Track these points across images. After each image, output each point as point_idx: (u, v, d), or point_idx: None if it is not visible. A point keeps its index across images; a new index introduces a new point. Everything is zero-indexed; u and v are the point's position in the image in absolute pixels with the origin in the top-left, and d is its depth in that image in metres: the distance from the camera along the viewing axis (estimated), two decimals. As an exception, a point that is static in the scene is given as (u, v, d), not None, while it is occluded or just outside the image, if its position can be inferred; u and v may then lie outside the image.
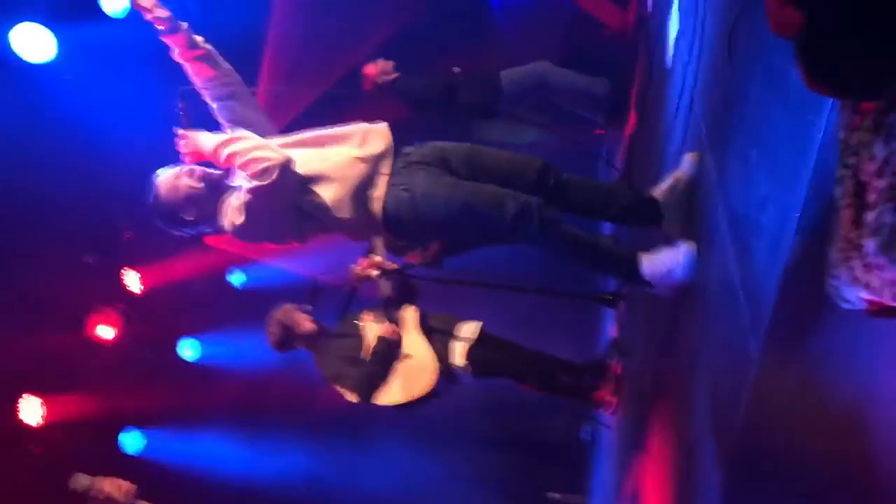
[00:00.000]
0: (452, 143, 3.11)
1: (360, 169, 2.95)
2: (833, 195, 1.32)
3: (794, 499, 1.67)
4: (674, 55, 3.90)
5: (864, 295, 1.17)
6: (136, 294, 5.75)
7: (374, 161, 2.98)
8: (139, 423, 5.73)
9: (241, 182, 2.87)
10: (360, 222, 2.98)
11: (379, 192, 2.95)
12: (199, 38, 2.95)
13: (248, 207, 2.83)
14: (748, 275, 2.09)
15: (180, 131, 2.91)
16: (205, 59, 2.94)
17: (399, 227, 3.00)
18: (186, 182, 2.93)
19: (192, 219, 2.99)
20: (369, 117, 3.17)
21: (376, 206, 2.95)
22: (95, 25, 4.52)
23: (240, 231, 2.92)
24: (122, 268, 5.65)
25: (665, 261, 2.81)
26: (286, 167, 2.81)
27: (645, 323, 3.70)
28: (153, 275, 5.81)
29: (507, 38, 7.14)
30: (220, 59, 2.99)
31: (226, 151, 2.79)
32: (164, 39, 2.90)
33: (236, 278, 6.71)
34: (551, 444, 6.39)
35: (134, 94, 4.77)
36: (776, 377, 1.86)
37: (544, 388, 4.36)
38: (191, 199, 2.94)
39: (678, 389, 2.72)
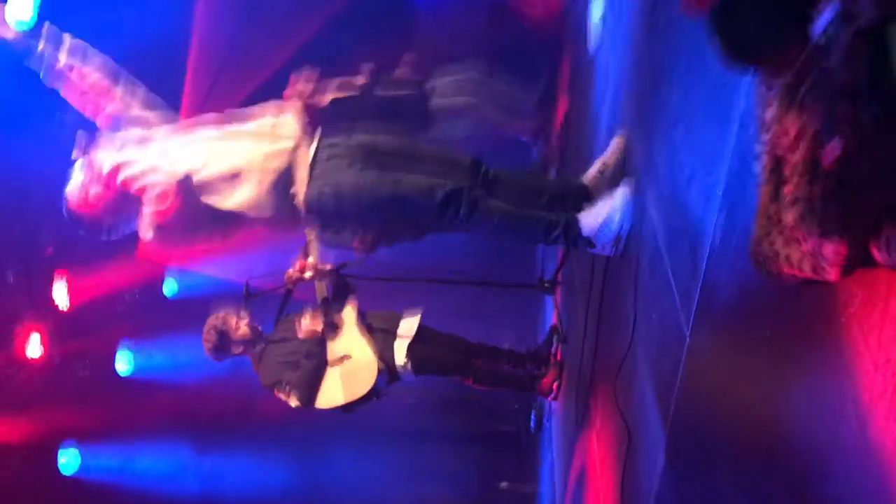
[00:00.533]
0: (383, 136, 3.07)
1: (276, 163, 2.89)
2: (753, 172, 1.33)
3: (728, 479, 1.69)
4: (598, 40, 3.93)
5: (786, 268, 1.18)
6: (64, 310, 5.55)
7: (290, 153, 2.92)
8: (76, 440, 5.55)
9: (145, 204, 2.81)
10: (283, 217, 2.94)
11: (299, 186, 2.89)
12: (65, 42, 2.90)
13: (155, 224, 2.80)
14: (676, 253, 2.10)
15: (77, 157, 2.84)
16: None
17: (324, 219, 2.96)
18: (94, 191, 2.85)
19: (111, 223, 2.92)
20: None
21: (298, 199, 2.90)
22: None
23: (155, 243, 2.87)
24: (46, 283, 5.45)
25: (602, 211, 2.78)
26: (180, 186, 2.76)
27: (582, 305, 3.73)
28: (81, 288, 5.62)
29: (430, 36, 7.12)
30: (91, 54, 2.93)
31: (119, 178, 2.77)
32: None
33: (168, 287, 6.54)
34: (499, 435, 6.42)
35: (42, 105, 4.59)
36: (708, 352, 1.88)
37: (487, 381, 4.35)
38: (104, 205, 2.88)
39: (618, 370, 2.73)
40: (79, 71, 2.89)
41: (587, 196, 2.98)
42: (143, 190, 2.74)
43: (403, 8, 7.37)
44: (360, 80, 5.32)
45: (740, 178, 1.64)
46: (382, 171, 2.91)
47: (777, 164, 1.16)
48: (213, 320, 4.15)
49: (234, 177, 2.84)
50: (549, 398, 4.46)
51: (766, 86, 1.29)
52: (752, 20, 1.16)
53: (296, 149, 2.94)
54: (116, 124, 2.93)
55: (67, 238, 5.32)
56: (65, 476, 5.48)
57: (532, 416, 5.47)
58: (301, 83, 5.27)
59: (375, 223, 3.00)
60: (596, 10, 4.07)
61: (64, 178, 2.92)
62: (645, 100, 2.63)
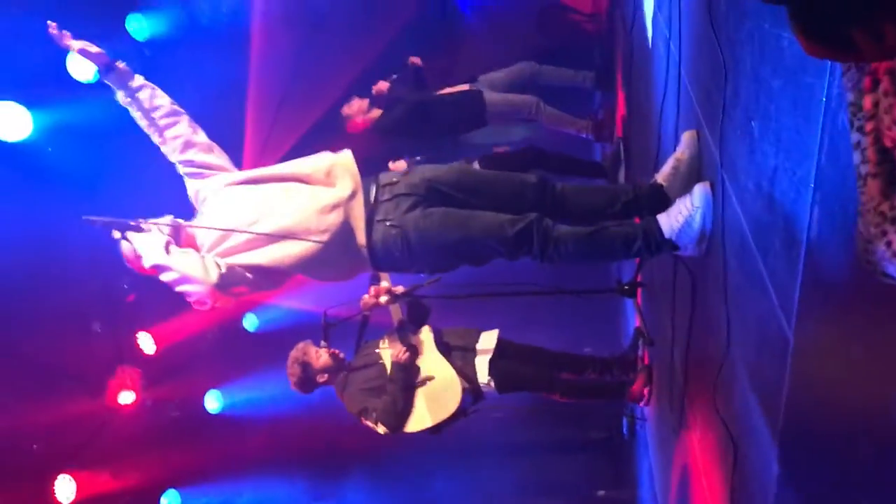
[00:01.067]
0: (441, 168, 3.01)
1: (333, 219, 2.81)
2: (851, 163, 1.24)
3: (846, 471, 1.58)
4: (654, 33, 3.82)
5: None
6: (151, 354, 5.67)
7: (346, 205, 2.83)
8: (175, 484, 5.65)
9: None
10: (345, 269, 2.90)
11: (360, 237, 2.82)
12: (138, 76, 2.92)
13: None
14: (768, 250, 1.99)
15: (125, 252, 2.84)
16: (144, 97, 2.90)
17: (392, 264, 2.91)
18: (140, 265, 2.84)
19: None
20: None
21: (362, 251, 2.84)
22: (68, 94, 4.48)
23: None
24: (131, 330, 5.58)
25: (681, 210, 2.67)
26: (216, 290, 2.72)
27: (667, 307, 3.60)
28: (165, 332, 5.73)
29: (481, 40, 7.10)
30: (162, 94, 2.94)
31: (160, 278, 2.75)
32: (105, 81, 2.90)
33: (249, 323, 6.64)
34: (592, 443, 6.29)
35: (116, 154, 4.72)
36: (816, 355, 1.77)
37: (574, 393, 4.25)
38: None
39: (713, 371, 2.62)
40: (151, 91, 2.91)
41: (663, 196, 2.87)
42: (181, 294, 2.75)
43: (452, 17, 7.37)
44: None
45: (835, 170, 1.53)
46: (447, 210, 2.83)
47: (885, 156, 1.07)
48: (294, 353, 4.18)
49: (289, 235, 2.78)
50: (641, 404, 4.33)
51: (859, 70, 1.19)
52: (842, 8, 1.06)
53: (352, 196, 2.85)
54: (186, 148, 2.93)
55: (148, 284, 5.45)
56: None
57: (624, 423, 5.34)
58: (355, 104, 5.33)
59: (445, 265, 2.95)
60: (649, 2, 3.96)
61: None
62: (713, 91, 2.52)
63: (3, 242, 4.27)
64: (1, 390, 4.38)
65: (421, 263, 2.92)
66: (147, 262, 2.74)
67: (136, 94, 2.90)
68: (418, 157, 5.31)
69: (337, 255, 2.83)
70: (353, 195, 2.86)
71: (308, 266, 2.84)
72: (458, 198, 2.88)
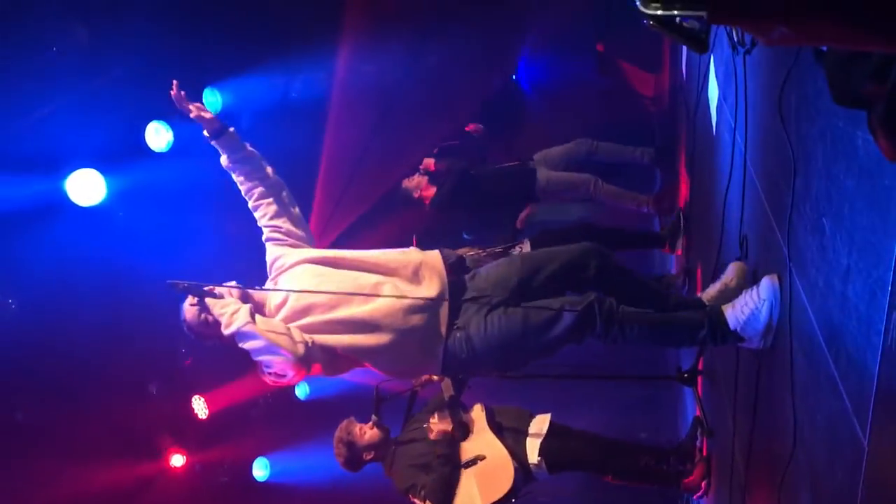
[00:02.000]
0: (501, 266, 3.00)
1: (417, 321, 2.80)
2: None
3: None
4: (718, 119, 3.81)
5: None
6: (203, 419, 5.71)
7: (431, 309, 2.80)
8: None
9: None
10: (415, 369, 2.93)
11: (439, 343, 2.81)
12: (245, 144, 3.01)
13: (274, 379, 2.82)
14: (840, 352, 1.93)
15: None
16: (249, 161, 2.99)
17: (459, 366, 2.91)
18: (210, 317, 2.83)
19: (219, 342, 2.89)
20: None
21: (437, 354, 2.83)
22: (141, 161, 4.65)
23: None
24: (186, 394, 5.64)
25: (748, 303, 2.62)
26: (300, 363, 2.71)
27: (728, 398, 3.50)
28: (218, 398, 5.78)
29: (542, 119, 7.19)
30: (265, 164, 3.03)
31: (240, 345, 2.74)
32: (213, 144, 2.99)
33: (301, 391, 6.65)
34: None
35: (183, 225, 4.86)
36: (892, 463, 1.69)
37: (627, 476, 4.13)
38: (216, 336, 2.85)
39: (777, 469, 2.52)
40: (257, 159, 3.00)
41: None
42: (263, 364, 2.75)
43: (514, 97, 7.49)
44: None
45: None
46: (507, 309, 2.81)
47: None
48: (339, 433, 4.14)
49: (368, 326, 2.77)
50: (696, 496, 4.18)
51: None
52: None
53: (438, 300, 2.83)
54: (278, 216, 3.00)
55: (204, 349, 5.53)
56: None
57: (678, 513, 5.15)
58: (415, 180, 5.44)
59: (514, 363, 2.94)
60: (713, 90, 3.96)
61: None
62: (782, 184, 2.49)
63: (72, 302, 4.39)
64: (58, 449, 4.44)
65: (487, 365, 2.91)
66: (230, 329, 2.71)
67: (242, 160, 2.99)
68: (466, 236, 5.36)
69: (412, 354, 2.83)
70: (441, 296, 2.85)
71: (381, 360, 2.84)
72: (519, 292, 2.86)
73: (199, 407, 5.70)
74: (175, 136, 4.86)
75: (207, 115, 2.97)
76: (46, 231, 4.18)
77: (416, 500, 3.94)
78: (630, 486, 4.33)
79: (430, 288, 2.86)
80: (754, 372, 2.91)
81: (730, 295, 2.82)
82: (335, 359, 2.86)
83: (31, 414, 4.37)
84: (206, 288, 2.79)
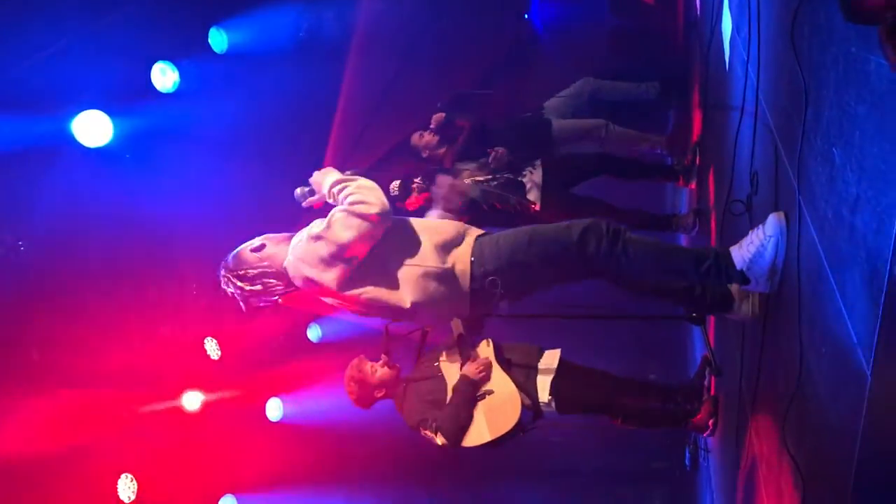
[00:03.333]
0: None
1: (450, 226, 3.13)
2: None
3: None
4: (731, 55, 3.73)
5: None
6: (216, 360, 5.77)
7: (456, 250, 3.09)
8: (233, 490, 5.71)
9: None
10: (442, 278, 3.03)
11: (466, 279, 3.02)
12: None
13: (337, 236, 2.94)
14: (847, 284, 1.91)
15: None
16: None
17: (482, 299, 3.08)
18: (268, 249, 3.11)
19: (262, 279, 3.12)
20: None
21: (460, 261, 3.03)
22: (147, 102, 4.62)
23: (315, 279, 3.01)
24: (198, 335, 5.69)
25: (754, 241, 2.62)
26: (384, 215, 2.93)
27: (737, 336, 3.50)
28: (231, 339, 5.83)
29: (553, 53, 7.07)
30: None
31: (337, 188, 2.98)
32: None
33: (313, 333, 6.71)
34: (652, 473, 6.14)
35: (189, 166, 4.85)
36: (893, 394, 1.68)
37: (635, 419, 4.15)
38: (266, 256, 3.11)
39: (783, 405, 2.52)
40: None
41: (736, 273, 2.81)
42: (354, 194, 2.96)
43: (525, 31, 7.36)
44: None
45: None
46: (513, 230, 3.07)
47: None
48: (350, 371, 4.18)
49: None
50: (705, 434, 4.20)
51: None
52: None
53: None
54: None
55: (217, 291, 5.56)
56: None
57: (686, 453, 5.19)
58: (426, 137, 5.36)
59: (516, 275, 2.97)
60: (727, 23, 3.88)
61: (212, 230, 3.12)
62: (793, 117, 2.44)
63: (81, 244, 4.41)
64: (71, 388, 4.51)
65: (493, 276, 3.01)
66: (332, 177, 3.01)
67: None
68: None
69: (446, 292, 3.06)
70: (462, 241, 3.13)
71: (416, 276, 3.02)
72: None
73: (212, 348, 5.76)
74: (181, 76, 4.81)
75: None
76: (54, 173, 4.18)
77: (427, 433, 3.99)
78: (638, 429, 4.36)
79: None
80: (763, 307, 2.89)
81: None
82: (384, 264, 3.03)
83: (45, 353, 4.42)
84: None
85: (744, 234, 2.79)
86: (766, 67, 2.90)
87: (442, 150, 5.32)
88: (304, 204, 3.33)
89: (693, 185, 4.85)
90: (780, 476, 2.64)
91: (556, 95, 5.50)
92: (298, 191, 3.43)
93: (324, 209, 3.15)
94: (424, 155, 5.35)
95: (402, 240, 3.06)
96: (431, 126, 5.39)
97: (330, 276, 2.98)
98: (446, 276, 3.02)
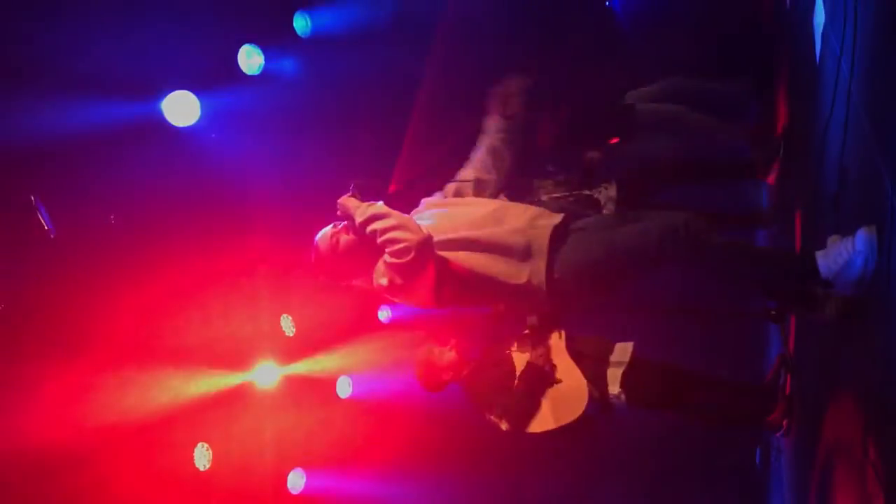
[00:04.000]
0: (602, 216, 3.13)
1: (517, 237, 2.99)
2: None
3: None
4: (822, 49, 3.62)
5: None
6: (291, 337, 5.91)
7: (532, 231, 3.01)
8: (302, 464, 5.86)
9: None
10: (518, 290, 2.98)
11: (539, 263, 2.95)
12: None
13: (390, 277, 2.92)
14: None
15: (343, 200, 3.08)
16: None
17: (558, 290, 2.99)
18: (344, 239, 3.05)
19: (350, 269, 3.12)
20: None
21: (538, 277, 2.95)
22: (233, 84, 4.74)
23: (384, 292, 3.03)
24: (274, 312, 5.83)
25: (843, 253, 2.58)
26: (424, 246, 2.86)
27: (816, 337, 3.42)
28: (305, 317, 5.96)
29: (636, 44, 6.92)
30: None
31: (368, 229, 2.91)
32: None
33: (383, 313, 6.81)
34: (722, 471, 6.04)
35: (274, 144, 4.96)
36: None
37: (706, 416, 4.11)
38: (349, 254, 3.06)
39: (861, 408, 2.46)
40: None
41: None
42: (388, 243, 2.88)
43: (607, 20, 7.23)
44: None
45: None
46: (590, 232, 2.99)
47: None
48: (419, 355, 4.26)
49: (473, 245, 2.98)
50: (778, 435, 4.13)
51: None
52: None
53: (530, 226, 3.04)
54: None
55: (294, 269, 5.70)
56: (293, 495, 5.81)
57: (757, 452, 5.10)
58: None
59: (595, 285, 2.97)
60: (819, 13, 3.76)
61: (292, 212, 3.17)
62: (890, 119, 2.36)
63: (167, 219, 4.57)
64: (154, 361, 4.69)
65: (580, 278, 2.98)
66: (364, 214, 2.93)
67: None
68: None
69: (514, 270, 2.99)
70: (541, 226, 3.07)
71: (489, 285, 2.99)
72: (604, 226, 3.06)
73: (287, 325, 5.91)
74: (266, 60, 4.92)
75: None
76: (144, 150, 4.33)
77: (491, 418, 4.04)
78: (710, 425, 4.31)
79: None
80: (848, 309, 2.82)
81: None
82: (446, 274, 2.99)
83: (131, 325, 4.60)
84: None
85: (828, 233, 2.72)
86: (860, 63, 2.81)
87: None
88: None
89: (772, 179, 4.72)
90: (858, 481, 2.58)
91: (639, 90, 5.40)
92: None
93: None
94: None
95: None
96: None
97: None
98: (521, 291, 3.00)
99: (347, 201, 3.01)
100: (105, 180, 4.27)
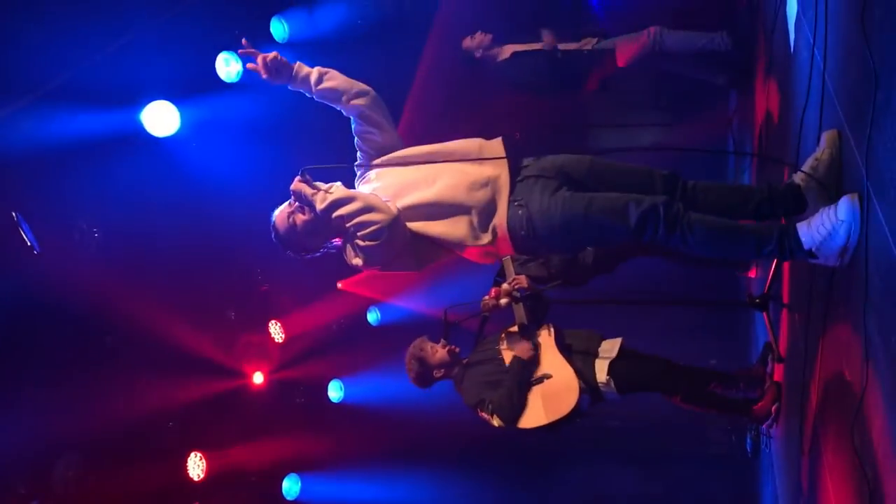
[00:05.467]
0: (572, 156, 3.02)
1: (482, 196, 2.90)
2: None
3: None
4: (796, 38, 3.65)
5: None
6: (280, 342, 5.92)
7: (493, 183, 2.92)
8: (297, 469, 5.87)
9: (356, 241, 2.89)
10: (484, 248, 2.93)
11: (500, 217, 2.89)
12: (315, 69, 3.06)
13: (366, 257, 2.89)
14: (918, 274, 1.88)
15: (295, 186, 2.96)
16: (330, 81, 3.05)
17: (517, 244, 2.94)
18: (300, 217, 2.96)
19: (314, 245, 3.05)
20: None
21: (500, 231, 2.89)
22: (212, 92, 4.73)
23: (362, 269, 2.99)
24: (263, 319, 5.83)
25: (825, 223, 2.52)
26: (394, 225, 2.82)
27: (801, 322, 3.45)
28: (294, 323, 5.96)
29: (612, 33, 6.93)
30: (341, 77, 3.09)
31: (334, 215, 2.84)
32: (292, 88, 3.06)
33: (372, 316, 6.82)
34: (713, 459, 6.09)
35: (253, 152, 4.95)
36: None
37: (697, 401, 4.13)
38: (307, 229, 2.98)
39: (850, 396, 2.48)
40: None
41: (800, 197, 2.75)
42: (357, 226, 2.83)
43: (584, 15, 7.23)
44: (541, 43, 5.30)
45: None
46: (572, 192, 2.86)
47: None
48: (411, 349, 4.28)
49: (437, 206, 2.89)
50: (767, 422, 4.16)
51: None
52: None
53: (498, 176, 2.94)
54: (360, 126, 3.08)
55: (280, 276, 5.70)
56: (289, 501, 5.81)
57: (748, 440, 5.14)
58: (478, 36, 5.32)
59: (568, 246, 2.93)
60: (792, 4, 3.79)
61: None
62: (862, 101, 2.39)
63: (151, 231, 4.56)
64: (144, 371, 4.68)
65: (543, 244, 2.94)
66: (325, 202, 2.83)
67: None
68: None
69: (478, 232, 2.91)
70: (499, 175, 2.94)
71: (450, 239, 2.92)
72: (587, 185, 2.91)
73: (276, 331, 5.91)
74: (244, 66, 4.91)
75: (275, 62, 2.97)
76: (125, 162, 4.32)
77: (483, 415, 4.05)
78: (698, 411, 4.34)
79: (492, 167, 2.96)
80: (827, 295, 2.85)
81: (821, 171, 2.71)
82: (415, 244, 2.93)
83: (119, 338, 4.59)
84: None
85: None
86: (833, 50, 2.84)
87: (497, 50, 5.32)
88: None
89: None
90: (846, 469, 2.61)
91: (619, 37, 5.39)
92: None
93: None
94: (478, 56, 5.33)
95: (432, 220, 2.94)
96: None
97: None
98: (488, 248, 2.94)
99: (301, 187, 2.90)
100: (87, 194, 4.26)
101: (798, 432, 3.47)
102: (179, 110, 4.47)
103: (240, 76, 4.87)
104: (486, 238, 2.90)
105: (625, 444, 6.17)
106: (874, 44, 2.25)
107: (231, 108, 4.75)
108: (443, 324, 4.26)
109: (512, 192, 2.91)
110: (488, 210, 2.90)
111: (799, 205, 2.76)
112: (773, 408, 4.01)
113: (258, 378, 5.71)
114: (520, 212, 2.87)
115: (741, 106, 5.66)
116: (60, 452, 4.23)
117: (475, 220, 2.89)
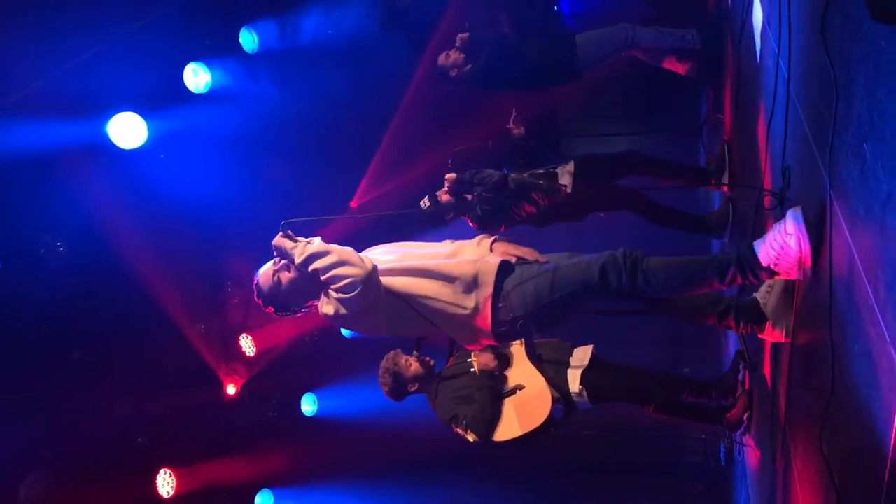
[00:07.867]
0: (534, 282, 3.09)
1: (465, 269, 2.99)
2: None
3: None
4: (762, 47, 3.68)
5: None
6: (251, 356, 5.85)
7: (476, 263, 3.03)
8: (269, 484, 5.80)
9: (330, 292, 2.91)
10: (465, 321, 2.99)
11: (485, 290, 2.97)
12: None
13: (337, 312, 2.90)
14: (881, 282, 1.88)
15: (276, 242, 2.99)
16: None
17: (508, 333, 3.06)
18: (285, 275, 2.97)
19: (298, 304, 3.05)
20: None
21: (482, 305, 2.97)
22: (180, 103, 4.69)
23: (333, 322, 3.00)
24: (234, 332, 5.77)
25: (777, 237, 2.63)
26: (368, 280, 2.84)
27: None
28: (265, 336, 5.91)
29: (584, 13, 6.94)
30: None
31: (310, 268, 2.86)
32: None
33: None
34: (687, 468, 6.10)
35: (222, 164, 4.92)
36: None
37: (668, 410, 4.14)
38: (291, 288, 2.98)
39: (818, 404, 2.49)
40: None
41: (759, 313, 3.07)
42: (332, 279, 2.84)
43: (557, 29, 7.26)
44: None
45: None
46: (541, 266, 3.00)
47: None
48: (385, 363, 4.26)
49: (423, 272, 2.98)
50: (740, 430, 4.17)
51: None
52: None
53: (480, 259, 3.06)
54: None
55: (251, 290, 5.63)
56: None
57: (722, 448, 5.15)
58: (452, 55, 5.32)
59: (544, 315, 2.99)
60: (758, 15, 3.82)
61: (247, 228, 3.09)
62: (824, 111, 2.40)
63: (119, 244, 4.50)
64: (112, 386, 4.61)
65: (518, 315, 3.00)
66: (303, 255, 2.86)
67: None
68: (521, 162, 5.22)
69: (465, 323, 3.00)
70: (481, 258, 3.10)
71: (435, 313, 2.99)
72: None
73: (247, 344, 5.85)
74: (213, 77, 4.88)
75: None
76: (91, 174, 4.27)
77: (458, 430, 4.03)
78: (672, 420, 4.34)
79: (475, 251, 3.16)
80: (793, 305, 2.86)
81: (777, 288, 3.02)
82: (392, 307, 2.96)
83: (86, 352, 4.53)
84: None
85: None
86: (797, 60, 2.86)
87: (468, 68, 5.29)
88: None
89: (725, 188, 4.79)
90: (814, 477, 2.61)
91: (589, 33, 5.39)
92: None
93: None
94: (452, 74, 5.31)
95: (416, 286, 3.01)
96: (457, 44, 5.35)
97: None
98: (468, 321, 3.00)
99: (282, 242, 2.94)
100: (52, 207, 4.20)
101: (769, 440, 3.48)
102: (147, 122, 4.43)
103: (208, 87, 4.84)
104: (469, 303, 2.97)
105: (600, 454, 6.16)
106: (834, 53, 2.26)
107: (199, 119, 4.73)
108: (414, 337, 4.23)
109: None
110: (470, 283, 2.99)
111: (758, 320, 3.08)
112: (745, 416, 4.02)
113: (230, 391, 5.65)
114: (501, 305, 2.98)
115: (711, 114, 5.70)
116: (27, 471, 4.16)
117: (459, 288, 2.98)
